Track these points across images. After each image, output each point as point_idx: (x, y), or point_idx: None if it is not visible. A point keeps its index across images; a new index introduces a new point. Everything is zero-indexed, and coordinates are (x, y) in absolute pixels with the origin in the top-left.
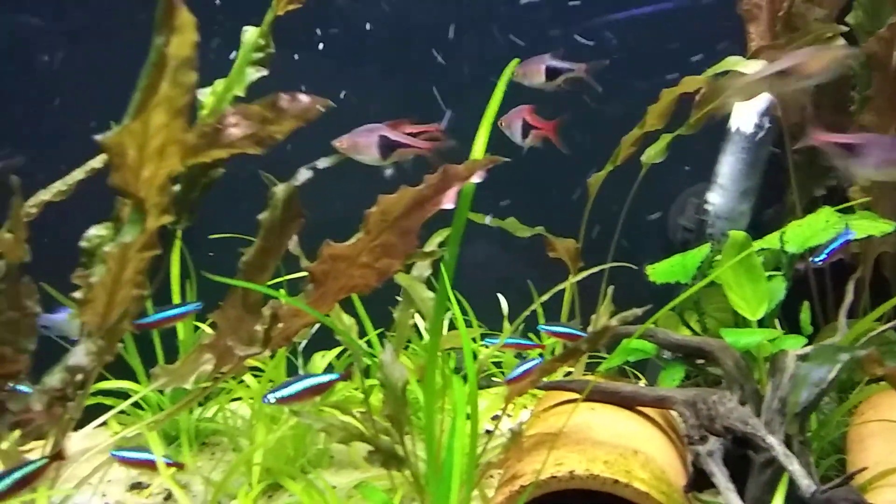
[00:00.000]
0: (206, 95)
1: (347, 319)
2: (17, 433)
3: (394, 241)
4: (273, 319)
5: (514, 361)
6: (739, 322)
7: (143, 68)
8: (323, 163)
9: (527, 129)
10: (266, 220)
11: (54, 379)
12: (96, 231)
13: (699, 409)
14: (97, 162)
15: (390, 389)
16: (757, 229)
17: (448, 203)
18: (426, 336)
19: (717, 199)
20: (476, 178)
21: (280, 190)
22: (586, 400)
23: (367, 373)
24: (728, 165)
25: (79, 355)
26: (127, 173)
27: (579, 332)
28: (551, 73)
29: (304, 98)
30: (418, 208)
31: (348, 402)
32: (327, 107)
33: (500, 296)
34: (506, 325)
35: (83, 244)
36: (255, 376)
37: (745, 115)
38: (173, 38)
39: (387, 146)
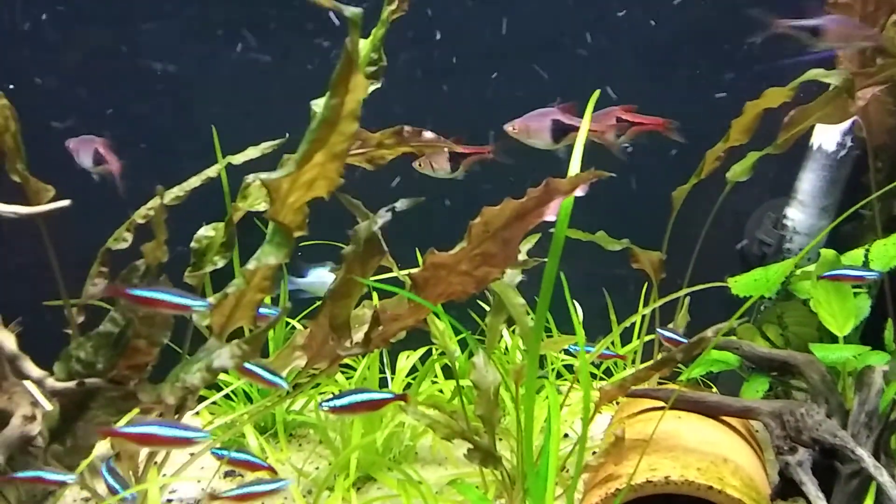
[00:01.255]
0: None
1: (441, 323)
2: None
3: (494, 251)
4: (374, 322)
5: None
6: (824, 337)
7: (315, 122)
8: (402, 205)
9: (622, 127)
10: (349, 254)
11: (195, 377)
12: (205, 232)
13: (786, 420)
14: (213, 171)
15: (483, 392)
16: (833, 245)
17: (550, 215)
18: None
19: (796, 214)
20: (578, 192)
21: (362, 229)
22: (671, 408)
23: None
24: (808, 182)
25: (224, 358)
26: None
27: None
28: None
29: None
30: (520, 220)
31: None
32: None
33: (575, 303)
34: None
35: (193, 245)
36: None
37: (828, 134)
38: (347, 98)
39: (559, 130)
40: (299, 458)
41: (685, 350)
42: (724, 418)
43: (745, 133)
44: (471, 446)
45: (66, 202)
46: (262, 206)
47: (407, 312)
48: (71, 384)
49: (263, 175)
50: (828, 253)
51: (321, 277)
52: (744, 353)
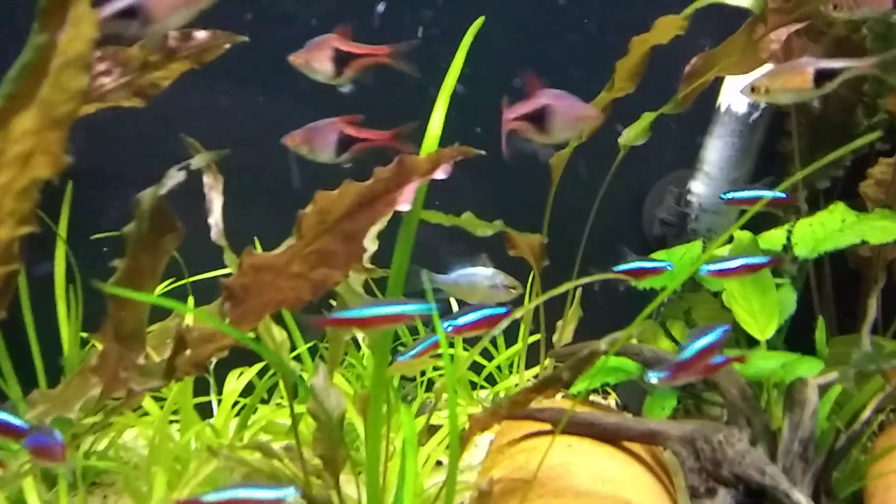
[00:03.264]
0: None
1: (279, 333)
2: None
3: (334, 248)
4: (179, 345)
5: None
6: (741, 339)
7: (14, 69)
8: (199, 161)
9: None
10: (131, 235)
11: None
12: None
13: (700, 448)
14: None
15: (324, 422)
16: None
17: (404, 203)
18: (365, 348)
19: (702, 188)
20: (439, 174)
21: (145, 198)
22: (562, 433)
23: (295, 393)
24: (716, 150)
25: None
26: None
27: None
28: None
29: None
30: (366, 208)
31: (271, 431)
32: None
33: (452, 301)
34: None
35: None
36: (157, 399)
37: (738, 93)
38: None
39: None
40: None
41: (573, 367)
42: (629, 445)
43: (631, 78)
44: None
45: None
46: None
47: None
48: None
49: None
50: (742, 235)
51: (471, 277)
52: (646, 360)
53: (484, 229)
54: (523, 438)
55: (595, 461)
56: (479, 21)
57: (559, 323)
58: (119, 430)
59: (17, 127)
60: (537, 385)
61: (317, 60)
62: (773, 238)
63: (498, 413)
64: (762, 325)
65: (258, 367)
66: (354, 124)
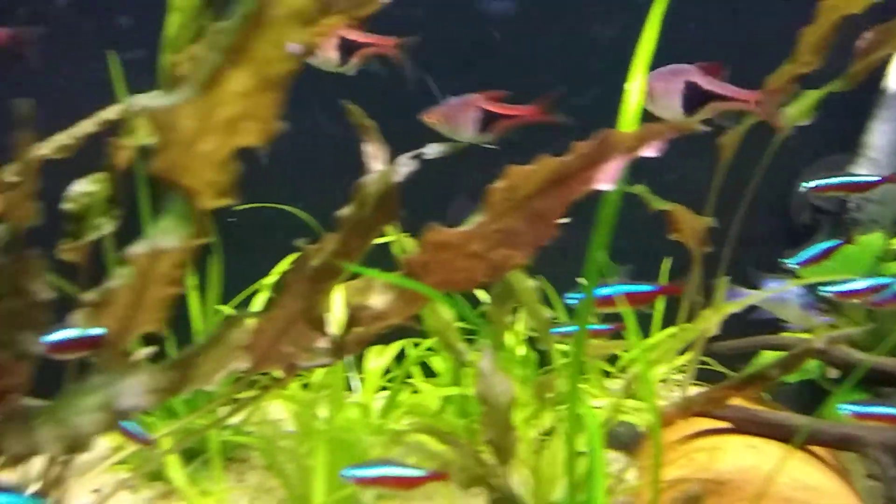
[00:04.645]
0: None
1: (446, 314)
2: None
3: (520, 227)
4: (351, 323)
5: None
6: None
7: (229, 21)
8: (433, 150)
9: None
10: (349, 218)
11: (85, 421)
12: (82, 187)
13: None
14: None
15: (492, 406)
16: None
17: (605, 181)
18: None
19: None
20: (648, 152)
21: (373, 182)
22: (740, 432)
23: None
24: (882, 135)
25: (132, 394)
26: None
27: None
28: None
29: None
30: (559, 185)
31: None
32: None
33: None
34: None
35: (68, 206)
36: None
37: None
38: None
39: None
40: (242, 494)
41: (783, 364)
42: (812, 448)
43: (817, 51)
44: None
45: None
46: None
47: (396, 308)
48: None
49: (147, 99)
50: None
51: (783, 294)
52: (832, 360)
53: (659, 203)
54: (695, 437)
55: (790, 465)
56: None
57: (703, 314)
58: (255, 407)
59: (229, 87)
60: (738, 381)
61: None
62: None
63: (690, 408)
64: None
65: (397, 345)
66: (497, 100)
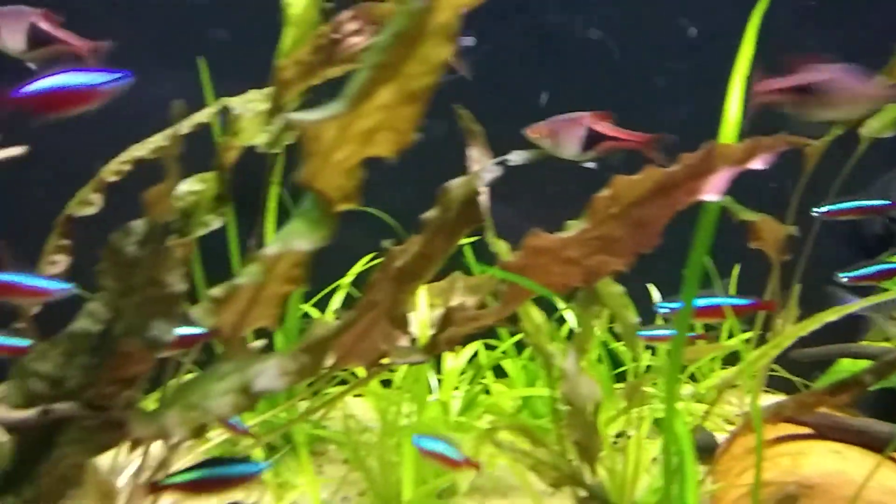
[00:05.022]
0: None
1: (538, 317)
2: None
3: (620, 235)
4: (445, 323)
5: None
6: None
7: (383, 38)
8: (518, 157)
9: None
10: (434, 221)
11: (222, 403)
12: (190, 186)
13: None
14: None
15: (578, 408)
16: None
17: (711, 193)
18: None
19: None
20: (757, 164)
21: (457, 186)
22: (821, 437)
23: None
24: None
25: (270, 375)
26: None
27: None
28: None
29: None
30: (663, 195)
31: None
32: None
33: (650, 286)
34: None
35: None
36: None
37: None
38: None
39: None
40: (325, 485)
41: (878, 370)
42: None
43: None
44: (582, 493)
45: (20, 149)
46: (262, 139)
47: (492, 310)
48: (30, 413)
49: (298, 116)
50: None
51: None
52: None
53: (746, 214)
54: (776, 442)
55: (877, 473)
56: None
57: (778, 322)
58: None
59: (375, 102)
60: (831, 388)
61: None
62: None
63: (781, 413)
64: None
65: (474, 346)
66: (605, 120)
